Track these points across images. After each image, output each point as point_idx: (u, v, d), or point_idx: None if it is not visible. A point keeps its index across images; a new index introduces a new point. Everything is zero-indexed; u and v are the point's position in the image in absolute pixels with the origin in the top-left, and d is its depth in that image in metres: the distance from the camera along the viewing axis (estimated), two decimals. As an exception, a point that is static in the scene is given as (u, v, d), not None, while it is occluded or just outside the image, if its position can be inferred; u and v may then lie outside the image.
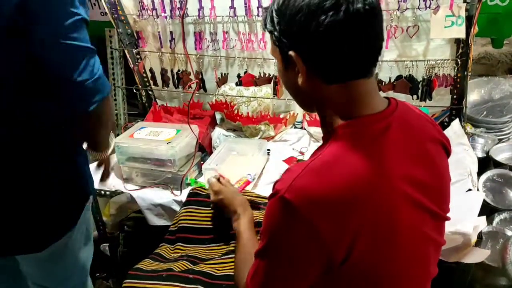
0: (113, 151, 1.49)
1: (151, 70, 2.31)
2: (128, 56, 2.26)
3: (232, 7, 1.96)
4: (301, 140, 2.12)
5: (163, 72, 2.28)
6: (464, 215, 1.40)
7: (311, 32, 0.79)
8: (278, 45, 0.88)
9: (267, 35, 1.12)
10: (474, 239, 1.37)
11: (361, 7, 0.76)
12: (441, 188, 0.97)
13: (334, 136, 0.86)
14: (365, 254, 0.82)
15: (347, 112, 0.86)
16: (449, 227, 1.36)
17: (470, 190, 1.54)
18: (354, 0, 0.76)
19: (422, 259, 0.94)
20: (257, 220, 1.46)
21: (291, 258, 0.84)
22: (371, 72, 0.85)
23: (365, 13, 0.77)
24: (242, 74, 2.11)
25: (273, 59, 1.90)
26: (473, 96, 2.20)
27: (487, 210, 1.72)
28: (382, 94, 1.90)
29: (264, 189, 1.74)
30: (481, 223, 1.42)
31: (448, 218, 0.99)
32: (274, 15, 0.85)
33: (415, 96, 1.91)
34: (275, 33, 0.86)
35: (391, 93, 1.90)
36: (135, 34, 2.23)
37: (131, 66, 2.29)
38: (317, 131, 2.06)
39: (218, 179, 1.51)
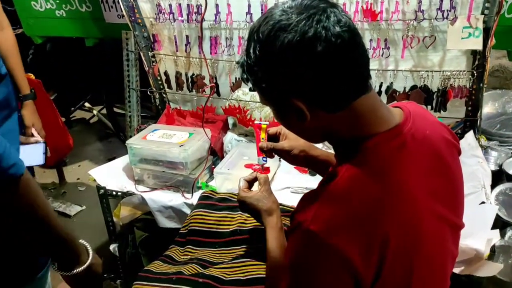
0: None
1: (165, 73, 2.32)
2: (143, 58, 2.28)
3: (248, 13, 1.97)
4: (313, 147, 2.11)
5: (178, 75, 2.29)
6: (477, 228, 1.39)
7: (302, 69, 0.78)
8: (269, 96, 0.87)
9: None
10: (487, 252, 1.36)
11: (339, 31, 0.76)
12: (457, 195, 0.97)
13: (349, 158, 0.84)
14: (392, 273, 0.81)
15: (358, 133, 0.84)
16: (462, 239, 1.33)
17: (483, 203, 1.53)
18: (330, 26, 0.76)
19: (442, 273, 0.93)
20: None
21: None
22: (369, 86, 0.84)
23: (344, 34, 0.77)
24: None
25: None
26: (487, 108, 2.18)
27: (499, 224, 1.70)
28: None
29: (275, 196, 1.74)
30: (494, 237, 1.40)
31: (463, 225, 0.99)
32: (255, 68, 0.83)
33: (429, 107, 1.91)
34: (263, 85, 0.84)
35: (405, 103, 1.90)
36: (151, 37, 2.24)
37: (146, 68, 2.31)
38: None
39: (254, 180, 1.28)
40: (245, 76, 0.88)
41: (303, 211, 0.82)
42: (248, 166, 1.74)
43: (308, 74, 0.78)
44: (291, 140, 1.25)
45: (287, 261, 0.87)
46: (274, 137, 1.29)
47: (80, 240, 1.03)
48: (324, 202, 0.80)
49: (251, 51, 0.82)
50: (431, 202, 0.86)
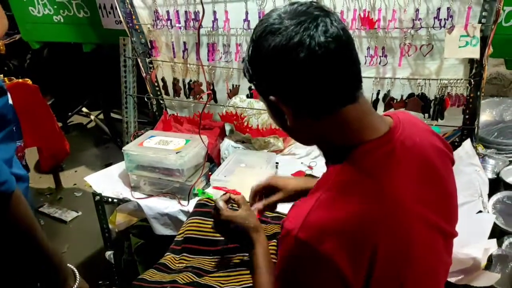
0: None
1: (163, 80, 2.32)
2: (141, 64, 2.28)
3: (246, 20, 1.97)
4: (310, 154, 2.11)
5: (175, 81, 2.29)
6: (474, 237, 1.38)
7: (283, 74, 0.80)
8: (260, 92, 0.90)
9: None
10: (484, 262, 1.35)
11: (324, 41, 0.77)
12: (449, 203, 0.97)
13: (338, 167, 0.85)
14: (382, 279, 0.81)
15: (347, 140, 0.85)
16: (459, 249, 1.34)
17: (480, 211, 1.52)
18: (315, 35, 0.77)
19: (433, 281, 0.93)
20: (266, 234, 1.45)
21: None
22: (356, 97, 0.84)
23: (329, 45, 0.77)
24: (253, 87, 2.11)
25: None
26: (484, 116, 2.18)
27: (496, 233, 1.70)
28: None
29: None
30: (492, 246, 1.40)
31: (457, 234, 0.99)
32: (248, 66, 0.87)
33: (426, 115, 1.91)
34: (254, 82, 0.88)
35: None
36: (148, 44, 2.24)
37: (144, 74, 2.31)
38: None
39: (228, 200, 1.27)
40: (244, 73, 0.92)
41: (292, 220, 0.82)
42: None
43: (290, 79, 0.80)
44: (281, 190, 1.28)
45: (277, 270, 0.86)
46: (267, 189, 1.31)
47: (68, 265, 1.03)
48: (313, 211, 0.80)
49: (247, 49, 0.87)
50: (421, 209, 0.86)
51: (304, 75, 0.79)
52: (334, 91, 0.81)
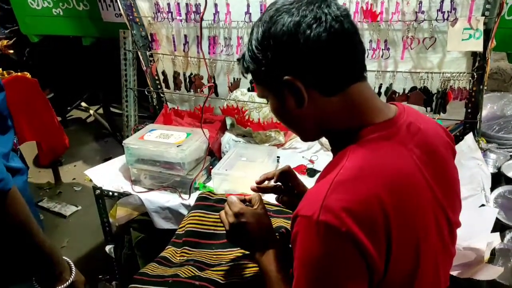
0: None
1: (163, 73, 2.31)
2: (141, 58, 2.27)
3: (247, 12, 1.96)
4: (311, 148, 2.11)
5: (176, 75, 2.28)
6: (477, 231, 1.38)
7: (301, 48, 0.82)
8: (268, 79, 0.89)
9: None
10: (487, 255, 1.34)
11: (339, 13, 0.83)
12: (453, 191, 0.98)
13: (347, 149, 0.86)
14: (398, 262, 0.81)
15: (355, 122, 0.87)
16: (462, 242, 1.33)
17: (483, 205, 1.52)
18: (330, 11, 0.82)
19: (440, 266, 0.93)
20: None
21: (343, 285, 0.79)
22: (364, 75, 0.89)
23: (344, 19, 0.83)
24: (253, 79, 2.10)
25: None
26: (486, 111, 2.18)
27: (498, 227, 1.69)
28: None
29: (273, 197, 1.72)
30: (495, 240, 1.39)
31: (459, 224, 1.00)
32: (256, 52, 0.87)
33: (429, 108, 1.90)
34: (262, 68, 0.88)
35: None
36: (149, 36, 2.23)
37: (144, 68, 2.29)
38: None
39: (242, 201, 1.16)
40: (245, 65, 0.92)
41: (309, 206, 0.80)
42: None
43: (307, 54, 0.82)
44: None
45: (299, 262, 0.83)
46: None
47: (64, 257, 1.03)
48: (329, 193, 0.79)
49: (254, 36, 0.88)
50: (429, 181, 0.88)
51: (322, 50, 0.81)
52: (347, 65, 0.85)
